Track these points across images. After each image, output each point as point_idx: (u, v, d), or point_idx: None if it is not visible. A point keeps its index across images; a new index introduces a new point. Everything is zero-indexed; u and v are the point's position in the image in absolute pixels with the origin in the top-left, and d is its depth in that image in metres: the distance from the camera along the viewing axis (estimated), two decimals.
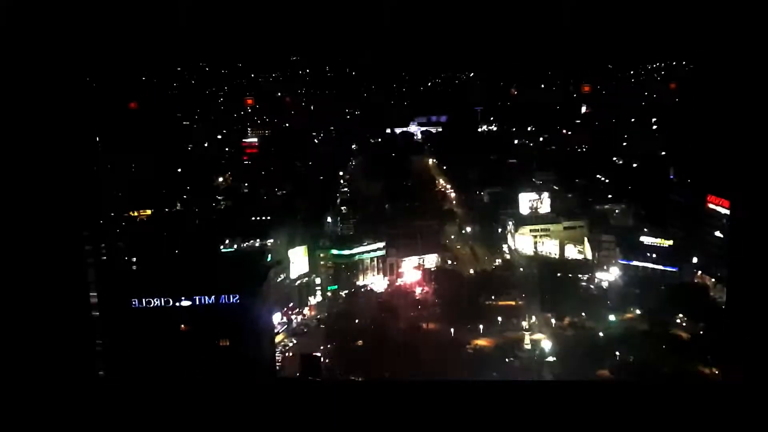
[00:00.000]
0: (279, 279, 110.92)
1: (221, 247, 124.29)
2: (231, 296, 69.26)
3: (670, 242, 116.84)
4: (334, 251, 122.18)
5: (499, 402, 6.82)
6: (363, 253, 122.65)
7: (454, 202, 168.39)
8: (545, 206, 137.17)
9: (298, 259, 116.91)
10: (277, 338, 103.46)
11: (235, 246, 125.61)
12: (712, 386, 6.76)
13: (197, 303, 69.18)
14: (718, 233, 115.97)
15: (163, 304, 68.53)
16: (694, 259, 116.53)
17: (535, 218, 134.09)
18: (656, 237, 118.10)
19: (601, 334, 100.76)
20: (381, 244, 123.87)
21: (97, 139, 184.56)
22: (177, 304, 68.93)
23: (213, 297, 69.02)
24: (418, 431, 6.44)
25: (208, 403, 6.81)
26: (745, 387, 6.67)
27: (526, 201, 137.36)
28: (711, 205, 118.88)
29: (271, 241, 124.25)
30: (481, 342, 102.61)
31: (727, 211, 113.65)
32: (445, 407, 6.71)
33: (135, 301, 68.49)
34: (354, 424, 6.51)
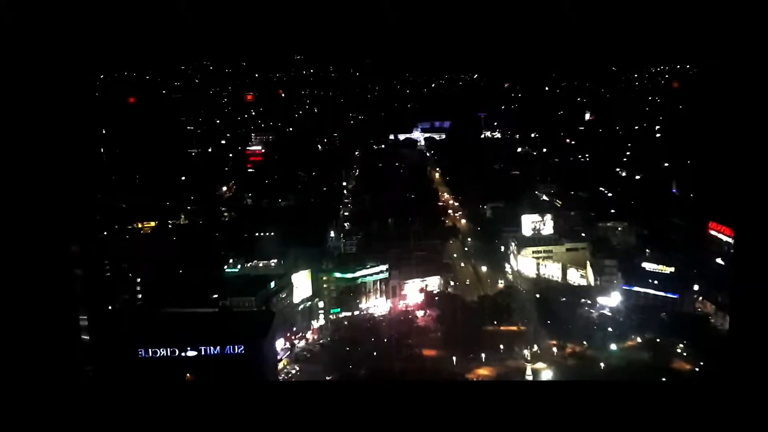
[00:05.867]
0: (282, 303, 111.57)
1: (225, 267, 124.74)
2: (236, 347, 69.89)
3: (671, 269, 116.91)
4: (338, 274, 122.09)
5: (499, 402, 6.88)
6: (366, 276, 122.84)
7: (458, 216, 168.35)
8: (548, 227, 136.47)
9: (302, 283, 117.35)
10: (280, 365, 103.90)
11: (239, 266, 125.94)
12: (712, 386, 7.14)
13: (202, 353, 69.79)
14: (719, 260, 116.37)
15: (168, 354, 69.20)
16: (695, 286, 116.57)
17: (537, 239, 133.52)
18: (657, 263, 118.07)
19: (602, 365, 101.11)
20: (384, 267, 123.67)
21: (102, 149, 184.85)
22: (182, 354, 69.57)
23: (218, 348, 69.65)
24: (417, 431, 6.49)
25: (202, 406, 6.80)
26: (744, 387, 6.89)
27: (528, 222, 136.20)
28: (712, 232, 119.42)
29: (275, 261, 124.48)
30: (483, 371, 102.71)
31: (728, 238, 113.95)
32: (445, 407, 6.74)
33: (141, 351, 69.16)
34: (354, 425, 6.52)
